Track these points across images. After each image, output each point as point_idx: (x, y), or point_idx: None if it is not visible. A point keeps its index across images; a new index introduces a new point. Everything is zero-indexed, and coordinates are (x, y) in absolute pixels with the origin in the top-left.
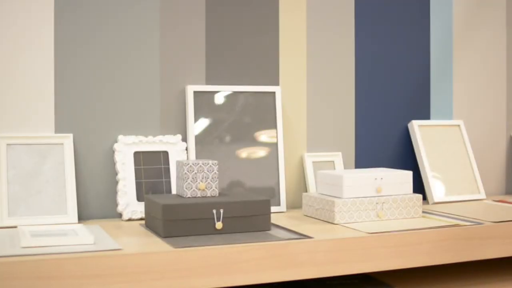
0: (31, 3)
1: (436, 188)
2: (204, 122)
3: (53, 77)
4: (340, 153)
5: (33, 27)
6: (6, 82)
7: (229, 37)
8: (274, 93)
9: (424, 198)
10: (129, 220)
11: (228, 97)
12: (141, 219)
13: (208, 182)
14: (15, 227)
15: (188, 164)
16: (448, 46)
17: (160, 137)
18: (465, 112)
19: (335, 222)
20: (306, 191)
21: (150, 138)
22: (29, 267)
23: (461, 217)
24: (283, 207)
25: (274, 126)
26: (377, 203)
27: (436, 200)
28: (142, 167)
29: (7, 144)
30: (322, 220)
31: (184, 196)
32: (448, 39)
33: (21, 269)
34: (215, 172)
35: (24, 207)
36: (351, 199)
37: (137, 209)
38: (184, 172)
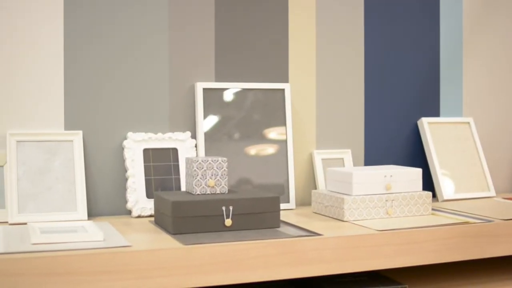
0: (40, 0)
1: (445, 185)
2: (213, 119)
3: (62, 74)
4: (349, 150)
5: (43, 24)
6: (16, 79)
7: (238, 34)
8: (283, 90)
9: (434, 195)
10: (139, 217)
11: (237, 94)
12: (150, 216)
13: (218, 179)
14: (25, 223)
15: (197, 161)
16: (458, 43)
17: (169, 134)
18: (475, 109)
19: (344, 219)
20: (315, 188)
21: (160, 135)
22: (39, 263)
23: (471, 215)
24: (292, 204)
25: (283, 123)
26: (386, 201)
27: (445, 197)
28: (151, 164)
29: (17, 141)
30: (331, 217)
31: (194, 193)
32: (458, 36)
33: (31, 265)
34: (224, 169)
35: (34, 204)
36: (361, 196)
37: (147, 206)
38: (193, 169)
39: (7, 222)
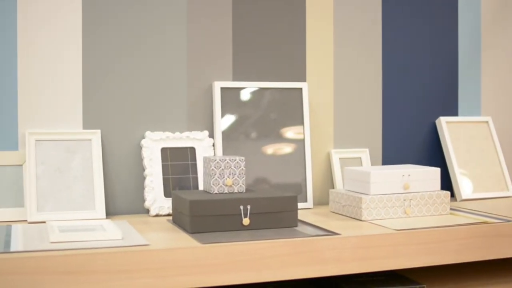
0: (58, 0)
1: (464, 185)
2: (230, 118)
3: (80, 74)
4: (367, 150)
5: (61, 24)
6: (35, 79)
7: (256, 33)
8: (301, 89)
9: (452, 195)
10: (156, 215)
11: (255, 93)
12: (168, 214)
13: (235, 178)
14: (44, 222)
15: (215, 160)
16: (476, 41)
17: (187, 133)
18: (494, 108)
19: (362, 218)
20: (333, 187)
21: (177, 134)
22: (58, 262)
23: (490, 214)
24: (310, 203)
25: (301, 122)
26: (404, 200)
27: (464, 197)
28: (169, 163)
29: (36, 140)
30: (349, 217)
31: (211, 192)
32: (476, 35)
33: (49, 264)
34: (242, 168)
35: (53, 202)
36: (378, 195)
37: (164, 205)
38: (211, 168)
39: (26, 220)
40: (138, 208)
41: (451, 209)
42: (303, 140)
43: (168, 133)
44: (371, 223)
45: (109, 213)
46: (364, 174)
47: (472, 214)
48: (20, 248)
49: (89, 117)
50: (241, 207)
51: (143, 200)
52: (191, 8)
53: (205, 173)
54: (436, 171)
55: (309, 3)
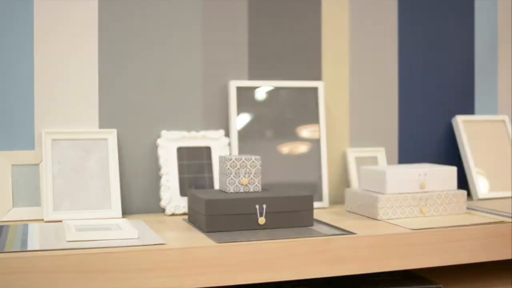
0: (75, 0)
1: (480, 184)
2: (246, 118)
3: (97, 73)
4: (383, 149)
5: (77, 24)
6: (51, 79)
7: (271, 32)
8: (316, 88)
9: (468, 194)
10: (172, 215)
11: (270, 92)
12: (184, 214)
13: (251, 178)
14: (60, 221)
15: (231, 159)
16: (493, 39)
17: (203, 133)
18: (510, 107)
19: (378, 218)
20: (348, 186)
21: (193, 133)
22: (74, 260)
23: (507, 214)
24: (325, 202)
25: (316, 121)
26: (420, 199)
27: (480, 196)
28: (185, 162)
29: (52, 140)
30: (365, 216)
31: (227, 191)
32: (493, 33)
33: (66, 262)
34: (258, 168)
35: (69, 201)
36: (395, 195)
37: (180, 204)
38: (227, 168)
39: (42, 219)
40: (154, 207)
41: (467, 208)
42: (318, 139)
43: (184, 133)
44: (387, 222)
45: (125, 212)
46: (380, 173)
47: (489, 213)
48: (37, 247)
49: (105, 117)
50: (257, 206)
51: (159, 199)
52: (207, 7)
53: (221, 172)
54: (452, 170)
55: (324, 1)
